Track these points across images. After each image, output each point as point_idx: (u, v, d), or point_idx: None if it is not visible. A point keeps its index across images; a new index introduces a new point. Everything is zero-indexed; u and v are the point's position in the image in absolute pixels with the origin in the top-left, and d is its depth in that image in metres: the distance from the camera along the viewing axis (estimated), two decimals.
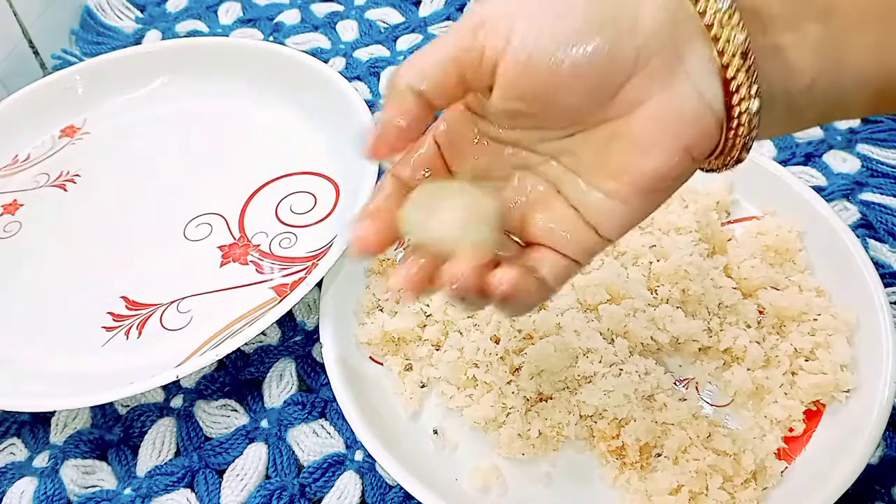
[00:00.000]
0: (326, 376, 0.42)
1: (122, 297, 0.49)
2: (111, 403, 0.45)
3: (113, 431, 0.44)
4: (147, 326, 0.47)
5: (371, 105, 0.55)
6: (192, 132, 0.60)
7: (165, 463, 0.43)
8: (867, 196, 0.52)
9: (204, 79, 0.62)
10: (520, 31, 0.26)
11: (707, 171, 0.30)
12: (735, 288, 0.44)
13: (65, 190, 0.57)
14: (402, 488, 0.38)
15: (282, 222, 0.52)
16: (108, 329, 0.47)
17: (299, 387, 0.45)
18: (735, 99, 0.26)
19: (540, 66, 0.26)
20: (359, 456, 0.42)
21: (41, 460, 0.43)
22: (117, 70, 0.62)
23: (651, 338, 0.42)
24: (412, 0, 0.71)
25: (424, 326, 0.44)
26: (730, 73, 0.26)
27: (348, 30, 0.69)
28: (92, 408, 0.45)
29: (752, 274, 0.45)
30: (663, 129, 0.27)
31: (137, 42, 0.70)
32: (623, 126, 0.27)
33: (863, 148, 0.55)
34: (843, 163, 0.55)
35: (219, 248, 0.51)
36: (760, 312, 0.44)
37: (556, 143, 0.29)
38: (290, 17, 0.71)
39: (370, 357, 0.44)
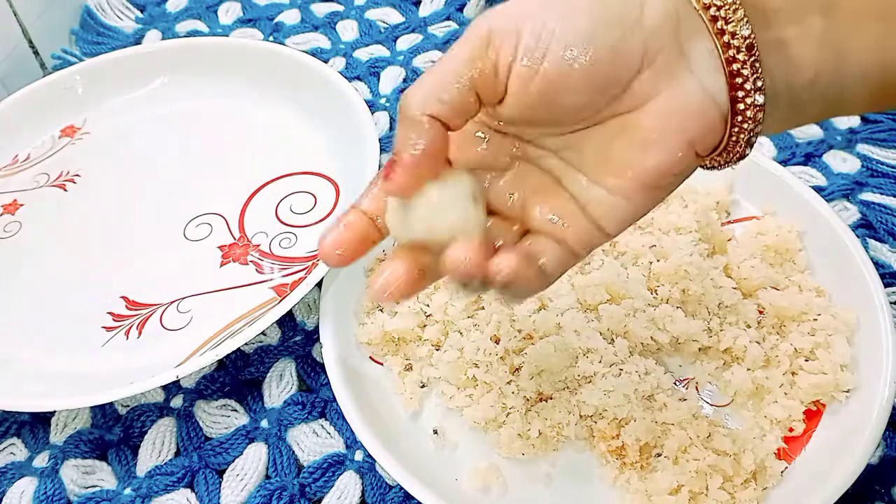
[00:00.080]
0: (326, 376, 0.42)
1: (122, 297, 0.49)
2: (111, 403, 0.45)
3: (113, 431, 0.44)
4: (147, 326, 0.47)
5: (371, 105, 0.55)
6: (192, 132, 0.60)
7: (165, 463, 0.43)
8: (867, 196, 0.52)
9: (204, 79, 0.62)
10: (527, 39, 0.26)
11: (709, 168, 0.30)
12: (735, 288, 0.44)
13: (65, 190, 0.57)
14: (402, 488, 0.39)
15: (282, 222, 0.52)
16: (108, 329, 0.47)
17: (299, 387, 0.45)
18: (740, 93, 0.26)
19: (550, 71, 0.26)
20: (359, 456, 0.42)
21: (41, 460, 0.43)
22: (117, 70, 0.62)
23: (651, 338, 0.42)
24: (412, 0, 0.71)
25: (424, 326, 0.44)
26: (735, 67, 0.26)
27: (348, 30, 0.69)
28: (92, 408, 0.45)
29: (752, 274, 0.45)
30: (668, 124, 0.27)
31: (137, 42, 0.70)
32: (633, 120, 0.27)
33: (863, 148, 0.55)
34: (843, 163, 0.55)
35: (219, 248, 0.51)
36: (760, 312, 0.44)
37: (558, 139, 0.29)
38: (290, 17, 0.71)
39: (370, 357, 0.44)
